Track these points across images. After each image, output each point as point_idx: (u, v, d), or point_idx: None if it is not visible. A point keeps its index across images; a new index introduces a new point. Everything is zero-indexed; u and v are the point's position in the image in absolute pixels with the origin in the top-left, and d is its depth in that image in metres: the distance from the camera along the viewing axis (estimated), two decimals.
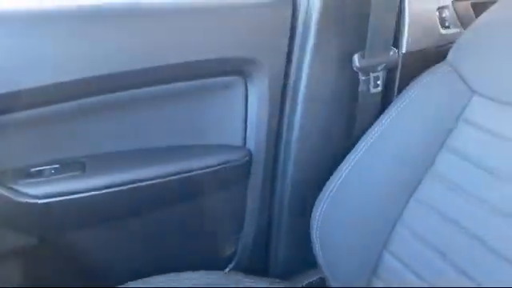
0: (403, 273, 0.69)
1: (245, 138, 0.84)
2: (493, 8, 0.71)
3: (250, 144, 0.83)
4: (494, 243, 0.59)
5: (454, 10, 0.86)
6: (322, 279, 0.82)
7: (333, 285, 0.77)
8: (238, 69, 0.77)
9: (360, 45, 0.74)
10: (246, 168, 0.83)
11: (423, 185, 0.69)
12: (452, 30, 0.85)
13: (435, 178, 0.68)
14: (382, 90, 0.78)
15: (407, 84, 0.75)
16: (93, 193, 0.72)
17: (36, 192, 0.69)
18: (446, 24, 0.85)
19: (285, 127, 0.83)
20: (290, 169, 0.84)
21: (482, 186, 0.63)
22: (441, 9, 0.84)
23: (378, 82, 0.76)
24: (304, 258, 0.85)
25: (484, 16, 0.72)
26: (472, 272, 0.60)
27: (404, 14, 0.79)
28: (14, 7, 0.62)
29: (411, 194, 0.70)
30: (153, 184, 0.76)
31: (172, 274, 0.75)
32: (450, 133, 0.68)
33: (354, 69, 0.75)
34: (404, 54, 0.82)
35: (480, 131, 0.65)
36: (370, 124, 0.75)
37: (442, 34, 0.84)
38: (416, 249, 0.68)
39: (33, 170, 0.71)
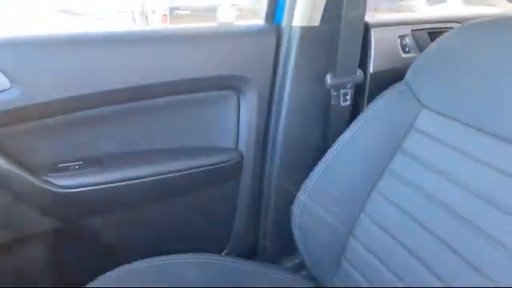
0: (365, 254, 0.83)
1: (237, 142, 0.98)
2: (441, 37, 0.86)
3: (242, 146, 0.98)
4: (440, 232, 0.72)
5: (413, 37, 1.01)
6: (302, 262, 0.96)
7: (308, 265, 0.91)
8: (231, 84, 0.92)
9: (332, 66, 0.89)
10: (238, 166, 0.98)
11: (382, 181, 0.83)
12: (411, 55, 1.00)
13: (392, 175, 0.82)
14: (350, 104, 0.92)
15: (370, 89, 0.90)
16: (109, 185, 0.87)
17: (62, 183, 0.84)
18: (406, 49, 1.00)
19: (271, 133, 0.98)
20: (276, 168, 0.99)
21: (429, 183, 0.76)
22: (401, 37, 1.00)
23: (347, 97, 0.91)
24: (287, 245, 0.98)
25: (434, 43, 0.87)
26: (420, 254, 0.74)
27: (370, 41, 0.95)
28: (59, 33, 0.78)
29: (372, 189, 0.84)
30: (159, 179, 0.90)
31: (175, 255, 0.89)
32: (404, 138, 0.82)
33: (327, 86, 0.90)
34: (371, 73, 0.97)
35: (427, 138, 0.80)
36: (342, 131, 0.89)
37: (403, 58, 0.99)
38: (375, 234, 0.82)
39: (60, 165, 0.85)
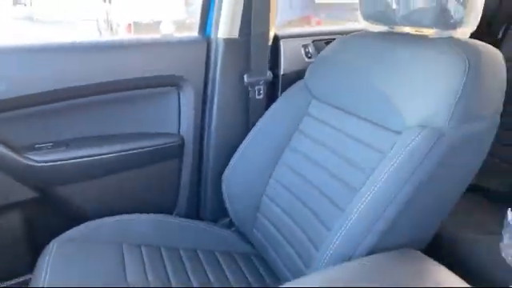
0: (274, 208, 1.06)
1: (179, 128, 1.23)
2: (328, 46, 1.13)
3: (183, 132, 1.23)
4: (320, 186, 0.93)
5: (314, 46, 1.30)
6: (231, 220, 1.21)
7: (235, 222, 1.16)
8: (172, 82, 1.17)
9: (248, 69, 1.16)
10: (180, 147, 1.22)
11: (285, 154, 1.09)
12: (313, 59, 1.28)
13: (291, 149, 1.09)
14: (264, 97, 1.19)
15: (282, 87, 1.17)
16: (73, 161, 1.09)
17: (38, 159, 1.06)
18: (309, 55, 1.28)
19: (206, 121, 1.23)
20: (211, 148, 1.23)
21: (315, 153, 1.01)
22: (305, 45, 1.28)
23: (261, 92, 1.18)
24: (221, 208, 1.22)
25: (323, 51, 1.13)
26: (307, 201, 0.98)
27: (280, 50, 1.22)
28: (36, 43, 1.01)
29: (278, 161, 1.10)
30: (115, 156, 1.13)
31: (133, 214, 1.12)
32: (300, 122, 1.09)
33: (245, 83, 1.17)
34: (282, 74, 1.25)
35: (316, 121, 1.06)
36: (259, 118, 1.15)
37: (306, 62, 1.26)
38: (280, 192, 1.07)
39: (37, 145, 1.08)
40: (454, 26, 0.83)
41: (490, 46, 0.82)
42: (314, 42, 1.29)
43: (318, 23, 5.52)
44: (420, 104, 0.79)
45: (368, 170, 0.81)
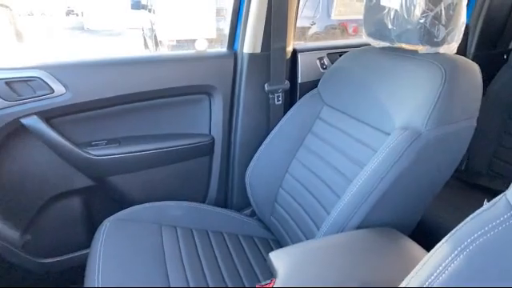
0: (288, 199, 1.23)
1: (210, 130, 1.43)
2: (339, 59, 1.29)
3: (213, 133, 1.42)
4: (326, 179, 1.08)
5: (328, 58, 1.46)
6: (253, 210, 1.38)
7: (256, 211, 1.34)
8: (205, 91, 1.37)
9: (268, 78, 1.34)
10: (211, 146, 1.42)
11: (299, 152, 1.26)
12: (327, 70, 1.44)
13: (305, 148, 1.25)
14: (283, 103, 1.37)
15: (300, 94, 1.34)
16: (122, 155, 1.31)
17: (95, 153, 1.28)
18: (324, 66, 1.44)
19: (233, 123, 1.42)
20: (237, 146, 1.42)
21: (325, 152, 1.18)
22: (320, 58, 1.44)
23: (280, 99, 1.35)
24: (245, 198, 1.40)
25: (335, 63, 1.29)
26: (315, 193, 1.14)
27: (298, 62, 1.40)
28: (94, 58, 1.24)
29: (293, 158, 1.27)
30: (156, 152, 1.34)
31: (173, 201, 1.33)
32: (313, 125, 1.26)
33: (266, 91, 1.35)
34: (300, 83, 1.42)
35: (326, 124, 1.23)
36: (278, 120, 1.32)
37: (321, 72, 1.43)
38: (294, 185, 1.24)
39: (94, 142, 1.31)
40: (438, 43, 0.97)
41: (467, 60, 0.96)
42: (328, 54, 1.45)
43: (355, 30, 5.66)
44: (405, 109, 0.94)
45: (362, 165, 0.97)
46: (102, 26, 10.52)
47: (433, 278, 0.47)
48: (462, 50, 1.62)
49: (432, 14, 0.94)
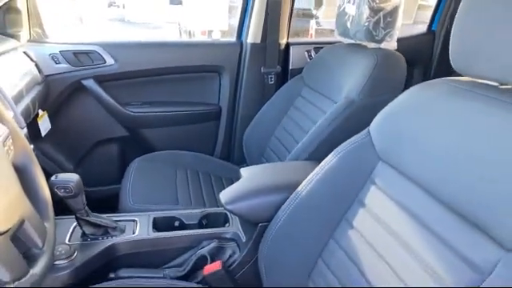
0: (273, 156, 1.58)
1: (219, 100, 1.84)
2: (319, 51, 1.66)
3: (221, 103, 1.84)
4: (296, 136, 1.52)
5: (314, 51, 1.84)
6: None
7: (248, 163, 1.74)
8: (216, 70, 1.79)
9: (263, 63, 1.74)
10: (218, 113, 1.84)
11: (283, 120, 1.64)
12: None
13: (288, 117, 1.63)
14: (275, 83, 1.76)
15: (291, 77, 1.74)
16: (151, 114, 1.75)
17: (132, 110, 1.72)
18: (311, 58, 1.83)
19: (237, 96, 1.82)
20: (239, 114, 1.83)
21: (301, 120, 1.55)
22: (308, 50, 1.83)
23: (272, 80, 1.75)
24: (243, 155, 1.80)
25: (317, 54, 1.66)
26: (287, 145, 1.54)
27: (290, 53, 1.79)
28: (135, 40, 1.68)
29: (279, 123, 1.65)
30: (176, 114, 1.77)
31: (183, 151, 1.74)
32: (294, 100, 1.64)
33: (262, 73, 1.75)
34: (291, 69, 1.81)
35: (305, 100, 1.60)
36: (271, 95, 1.71)
37: (308, 61, 1.81)
38: (277, 145, 1.63)
39: (132, 102, 1.75)
40: (379, 41, 1.34)
41: (395, 53, 1.33)
42: (314, 48, 1.84)
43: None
44: (349, 85, 1.31)
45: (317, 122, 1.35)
46: (141, 19, 11.14)
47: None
48: (427, 54, 1.96)
49: (374, 20, 1.31)
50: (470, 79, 0.75)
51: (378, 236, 0.76)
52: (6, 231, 0.54)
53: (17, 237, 0.57)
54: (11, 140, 0.67)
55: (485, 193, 0.60)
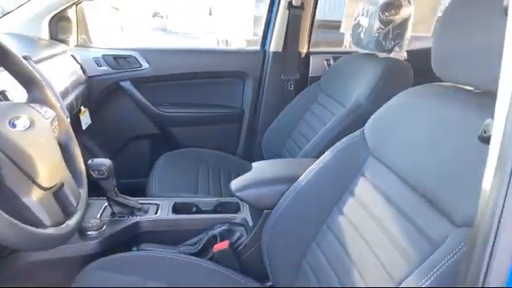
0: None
1: (242, 104, 1.98)
2: (337, 60, 1.77)
3: (244, 106, 1.98)
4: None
5: (333, 59, 1.94)
6: None
7: None
8: (240, 76, 1.93)
9: (284, 71, 1.86)
10: (241, 115, 1.97)
11: (299, 124, 1.75)
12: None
13: (304, 121, 1.74)
14: (294, 89, 1.88)
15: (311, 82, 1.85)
16: (180, 114, 1.91)
17: (163, 110, 1.89)
18: (330, 65, 1.93)
19: (259, 100, 1.96)
20: (260, 116, 1.96)
21: (316, 125, 1.67)
22: (327, 60, 1.94)
23: (291, 86, 1.87)
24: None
25: (334, 63, 1.77)
26: (301, 145, 1.64)
27: (309, 61, 1.91)
28: (168, 46, 1.86)
29: (295, 128, 1.77)
30: (203, 115, 1.93)
31: (207, 149, 1.89)
32: (311, 106, 1.75)
33: (282, 80, 1.88)
34: (310, 76, 1.93)
35: (320, 106, 1.71)
36: (290, 100, 1.83)
37: (326, 69, 1.92)
38: (293, 147, 1.74)
39: (163, 103, 1.92)
40: (388, 51, 1.44)
41: (403, 62, 1.42)
42: (333, 57, 1.94)
43: None
44: (359, 90, 1.42)
45: (327, 122, 1.46)
46: (182, 29, 11.61)
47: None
48: None
49: (383, 31, 1.41)
50: (453, 84, 0.84)
51: (362, 220, 0.87)
52: (50, 188, 0.69)
53: (58, 195, 0.72)
54: (57, 122, 0.83)
55: (442, 176, 0.70)
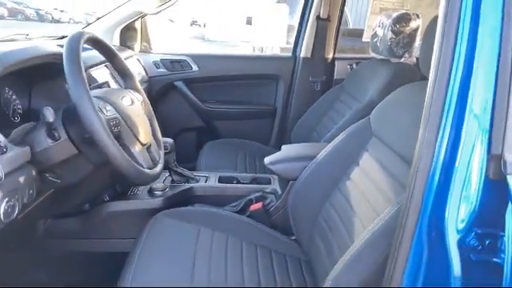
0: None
1: (275, 102, 2.29)
2: (358, 65, 2.04)
3: (277, 104, 2.28)
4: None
5: (356, 64, 2.21)
6: None
7: None
8: (273, 78, 2.25)
9: (312, 74, 2.16)
10: (274, 112, 2.28)
11: (324, 118, 2.03)
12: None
13: (327, 117, 2.02)
14: (320, 89, 2.17)
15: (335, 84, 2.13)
16: (223, 109, 2.25)
17: (213, 107, 2.24)
18: (352, 69, 2.21)
19: (290, 99, 2.26)
20: (290, 113, 2.26)
21: (335, 118, 1.94)
22: (350, 64, 2.21)
23: (318, 87, 2.16)
24: None
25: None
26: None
27: (334, 66, 2.20)
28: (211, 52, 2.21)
29: (320, 121, 2.05)
30: (243, 110, 2.25)
31: (247, 140, 2.20)
32: (333, 103, 2.02)
33: (310, 81, 2.17)
34: (335, 79, 2.21)
35: (342, 103, 1.99)
36: (317, 99, 2.12)
37: (349, 73, 2.19)
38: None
39: (208, 100, 2.26)
40: (399, 57, 1.70)
41: (412, 66, 1.68)
42: (356, 62, 2.22)
43: None
44: (373, 88, 1.69)
45: (347, 113, 1.74)
46: (220, 38, 12.08)
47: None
48: None
49: (395, 40, 1.68)
50: None
51: (363, 183, 1.12)
52: (144, 145, 1.02)
53: (148, 150, 1.05)
54: (143, 104, 1.17)
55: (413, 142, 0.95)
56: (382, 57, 1.80)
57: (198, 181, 1.55)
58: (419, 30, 1.69)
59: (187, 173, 1.54)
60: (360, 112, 1.65)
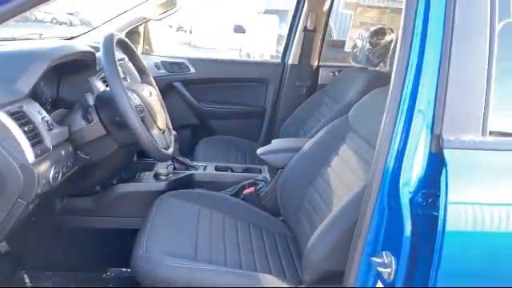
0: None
1: (264, 103, 2.50)
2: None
3: (266, 105, 2.50)
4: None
5: (338, 71, 2.46)
6: None
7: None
8: (263, 81, 2.46)
9: (298, 79, 2.39)
10: (263, 112, 2.49)
11: (309, 119, 2.26)
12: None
13: (313, 118, 2.25)
14: (306, 93, 2.40)
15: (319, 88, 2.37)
16: (217, 109, 2.45)
17: (204, 106, 2.44)
18: (335, 76, 2.44)
19: (278, 100, 2.47)
20: (278, 113, 2.47)
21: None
22: (333, 72, 2.45)
23: (304, 90, 2.39)
24: None
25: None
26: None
27: (319, 72, 2.43)
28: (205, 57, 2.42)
29: (306, 121, 2.27)
30: (233, 111, 2.46)
31: (237, 137, 2.41)
32: (317, 107, 2.25)
33: (296, 85, 2.40)
34: (319, 84, 2.44)
35: (325, 106, 2.21)
36: (302, 102, 2.34)
37: (332, 79, 2.43)
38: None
39: (204, 100, 2.47)
40: (375, 65, 1.94)
41: (385, 74, 1.91)
42: (338, 70, 2.46)
43: None
44: (351, 92, 1.92)
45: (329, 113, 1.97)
46: (206, 44, 12.22)
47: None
48: None
49: (372, 51, 1.92)
50: None
51: (340, 168, 1.35)
52: (161, 130, 1.22)
53: (163, 135, 1.25)
54: (157, 96, 1.37)
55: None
56: (360, 65, 2.04)
57: (196, 169, 1.74)
58: (393, 43, 1.93)
59: (188, 161, 1.73)
60: (340, 112, 1.87)
